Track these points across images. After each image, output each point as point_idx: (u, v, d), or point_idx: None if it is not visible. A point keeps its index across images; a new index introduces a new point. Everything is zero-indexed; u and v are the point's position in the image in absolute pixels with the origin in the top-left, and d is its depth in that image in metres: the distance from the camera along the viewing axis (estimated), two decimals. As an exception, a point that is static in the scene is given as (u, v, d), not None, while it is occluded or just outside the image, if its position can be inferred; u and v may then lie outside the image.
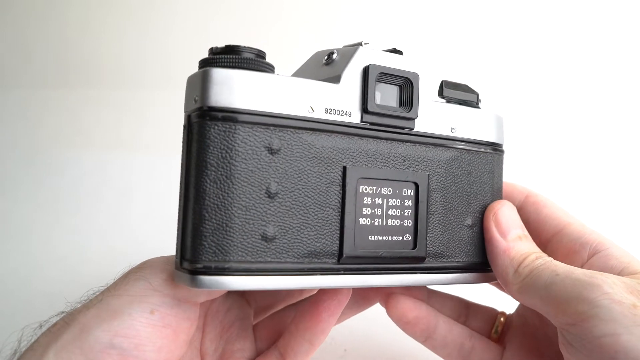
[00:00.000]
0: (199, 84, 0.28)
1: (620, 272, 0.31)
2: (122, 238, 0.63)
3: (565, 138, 0.66)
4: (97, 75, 0.78)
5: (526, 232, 0.34)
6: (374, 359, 0.44)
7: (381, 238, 0.32)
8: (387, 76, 0.31)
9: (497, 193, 0.36)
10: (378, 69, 0.31)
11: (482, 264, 0.36)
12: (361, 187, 0.31)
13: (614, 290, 0.27)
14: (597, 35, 0.68)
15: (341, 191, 0.30)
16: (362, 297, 0.38)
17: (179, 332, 0.29)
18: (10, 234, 0.67)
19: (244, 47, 0.29)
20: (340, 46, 0.33)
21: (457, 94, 0.35)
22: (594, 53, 0.68)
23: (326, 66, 0.32)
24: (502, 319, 0.39)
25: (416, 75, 0.32)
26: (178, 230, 0.29)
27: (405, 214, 0.32)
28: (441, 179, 0.34)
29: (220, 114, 0.27)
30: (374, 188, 0.31)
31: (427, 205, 0.33)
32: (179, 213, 0.29)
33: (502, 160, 0.37)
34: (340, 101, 0.30)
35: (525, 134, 0.64)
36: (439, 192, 0.33)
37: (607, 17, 0.68)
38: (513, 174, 0.40)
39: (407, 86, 0.32)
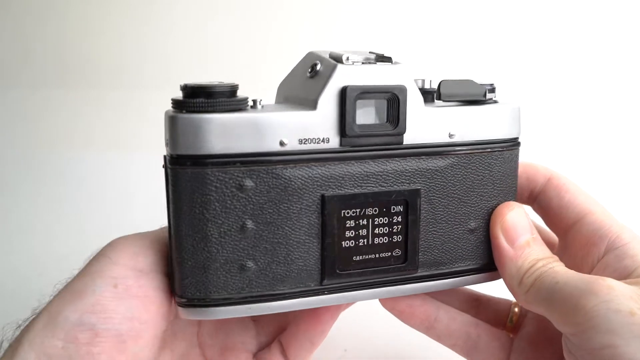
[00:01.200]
0: (168, 129, 0.28)
1: (630, 274, 0.30)
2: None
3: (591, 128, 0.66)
4: (97, 75, 0.78)
5: (535, 234, 0.33)
6: (373, 359, 0.44)
7: (368, 257, 0.31)
8: (369, 93, 0.29)
9: (506, 190, 0.34)
10: (357, 89, 0.29)
11: (485, 265, 0.34)
12: (343, 211, 0.30)
13: (613, 297, 0.26)
14: (602, 31, 0.68)
15: (320, 219, 0.30)
16: None
17: (147, 303, 0.29)
18: (10, 234, 0.67)
19: (213, 86, 0.28)
20: (334, 48, 0.32)
21: (458, 94, 0.33)
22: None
23: (310, 79, 0.30)
24: (516, 309, 0.39)
25: (402, 88, 0.30)
26: (169, 264, 0.30)
27: (395, 230, 0.32)
28: (438, 187, 0.32)
29: (189, 161, 0.27)
30: (358, 210, 0.30)
31: (419, 218, 0.32)
32: (169, 249, 0.30)
33: (515, 155, 0.34)
34: (316, 129, 0.29)
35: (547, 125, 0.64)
36: (436, 201, 0.32)
37: (604, 12, 0.69)
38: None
39: (393, 100, 0.30)
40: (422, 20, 0.72)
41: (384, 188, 0.31)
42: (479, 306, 0.40)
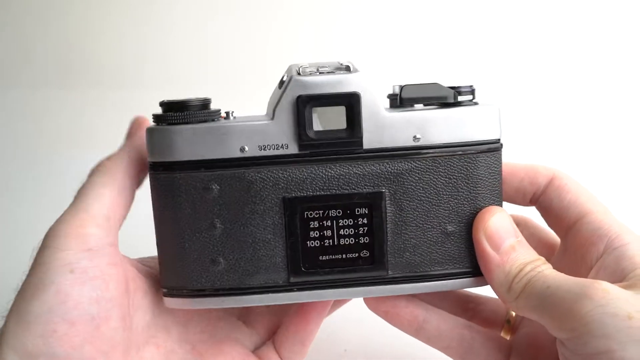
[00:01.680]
0: (147, 140, 0.32)
1: (627, 276, 0.29)
2: (121, 237, 0.63)
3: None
4: (97, 75, 0.78)
5: (520, 237, 0.32)
6: (373, 359, 0.44)
7: (334, 257, 0.32)
8: (324, 100, 0.31)
9: (488, 194, 0.34)
10: (308, 98, 0.31)
11: (469, 270, 0.34)
12: (306, 213, 0.32)
13: (608, 301, 0.26)
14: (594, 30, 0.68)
15: (283, 219, 0.32)
16: None
17: (107, 280, 0.29)
18: (10, 234, 0.67)
19: (185, 101, 0.32)
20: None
21: (421, 97, 0.33)
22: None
23: (278, 90, 0.33)
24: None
25: (356, 95, 0.31)
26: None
27: (360, 232, 0.32)
28: (405, 190, 0.32)
29: (161, 167, 0.32)
30: (321, 212, 0.32)
31: (385, 220, 0.32)
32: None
33: (495, 157, 0.33)
34: (274, 136, 0.32)
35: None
36: (405, 204, 0.32)
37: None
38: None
39: (349, 106, 0.31)
40: (422, 22, 0.72)
41: (346, 191, 0.32)
42: (474, 308, 0.39)
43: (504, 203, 0.35)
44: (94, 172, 0.33)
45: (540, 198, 0.35)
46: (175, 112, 0.31)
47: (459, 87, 0.33)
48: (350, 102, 0.31)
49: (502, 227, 0.32)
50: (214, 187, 0.31)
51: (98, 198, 0.31)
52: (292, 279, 0.32)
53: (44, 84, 0.78)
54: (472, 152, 0.33)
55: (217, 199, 0.31)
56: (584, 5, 0.69)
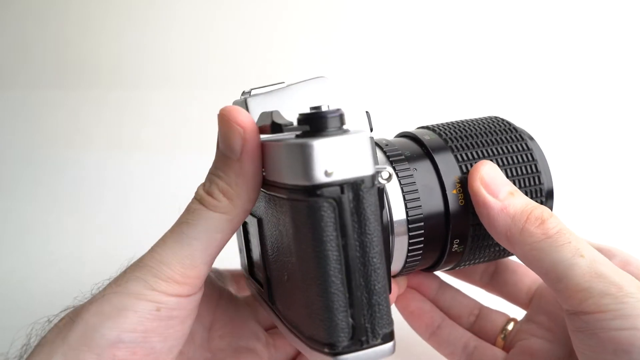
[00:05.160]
0: None
1: None
2: (121, 237, 0.63)
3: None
4: (97, 75, 0.78)
5: (515, 187, 0.32)
6: (373, 359, 0.45)
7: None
8: None
9: (317, 257, 0.25)
10: None
11: (307, 337, 0.27)
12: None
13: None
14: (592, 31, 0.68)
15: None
16: None
17: (185, 320, 0.29)
18: (9, 234, 0.67)
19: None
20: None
21: (265, 126, 0.27)
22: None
23: None
24: (511, 324, 0.39)
25: None
26: None
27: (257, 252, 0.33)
28: (266, 225, 0.30)
29: None
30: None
31: (265, 245, 0.31)
32: None
33: (326, 209, 0.24)
34: None
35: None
36: (267, 239, 0.31)
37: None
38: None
39: None
40: (422, 23, 0.72)
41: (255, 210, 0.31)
42: (480, 315, 0.40)
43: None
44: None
45: (492, 282, 0.39)
46: None
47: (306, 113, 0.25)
48: None
49: (497, 176, 0.32)
50: None
51: (209, 243, 0.28)
52: None
53: (43, 84, 0.78)
54: (296, 198, 0.25)
55: None
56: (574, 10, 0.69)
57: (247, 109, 0.30)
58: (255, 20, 0.75)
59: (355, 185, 0.25)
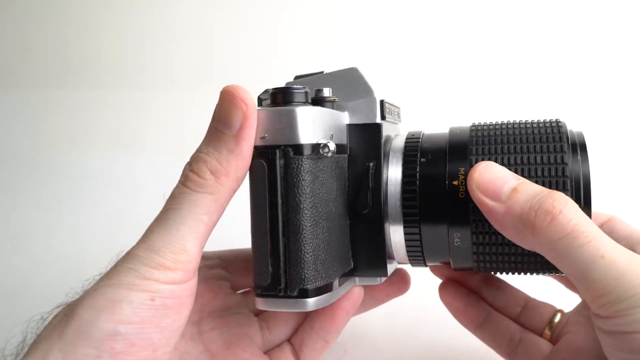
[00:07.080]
0: None
1: None
2: (122, 237, 0.63)
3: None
4: (98, 75, 0.78)
5: (519, 178, 0.30)
6: (373, 359, 0.45)
7: None
8: None
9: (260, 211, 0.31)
10: None
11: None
12: None
13: None
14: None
15: None
16: (370, 297, 0.39)
17: (181, 310, 0.29)
18: (11, 234, 0.67)
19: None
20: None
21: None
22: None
23: None
24: (558, 315, 0.38)
25: None
26: None
27: None
28: None
29: None
30: None
31: None
32: None
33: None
34: None
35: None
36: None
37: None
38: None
39: None
40: (423, 23, 0.72)
41: None
42: (526, 306, 0.40)
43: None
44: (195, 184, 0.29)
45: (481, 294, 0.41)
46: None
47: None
48: None
49: (494, 175, 0.30)
50: None
51: (196, 225, 0.28)
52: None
53: (44, 84, 0.78)
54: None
55: None
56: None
57: None
58: (257, 20, 0.76)
59: (285, 151, 0.29)
